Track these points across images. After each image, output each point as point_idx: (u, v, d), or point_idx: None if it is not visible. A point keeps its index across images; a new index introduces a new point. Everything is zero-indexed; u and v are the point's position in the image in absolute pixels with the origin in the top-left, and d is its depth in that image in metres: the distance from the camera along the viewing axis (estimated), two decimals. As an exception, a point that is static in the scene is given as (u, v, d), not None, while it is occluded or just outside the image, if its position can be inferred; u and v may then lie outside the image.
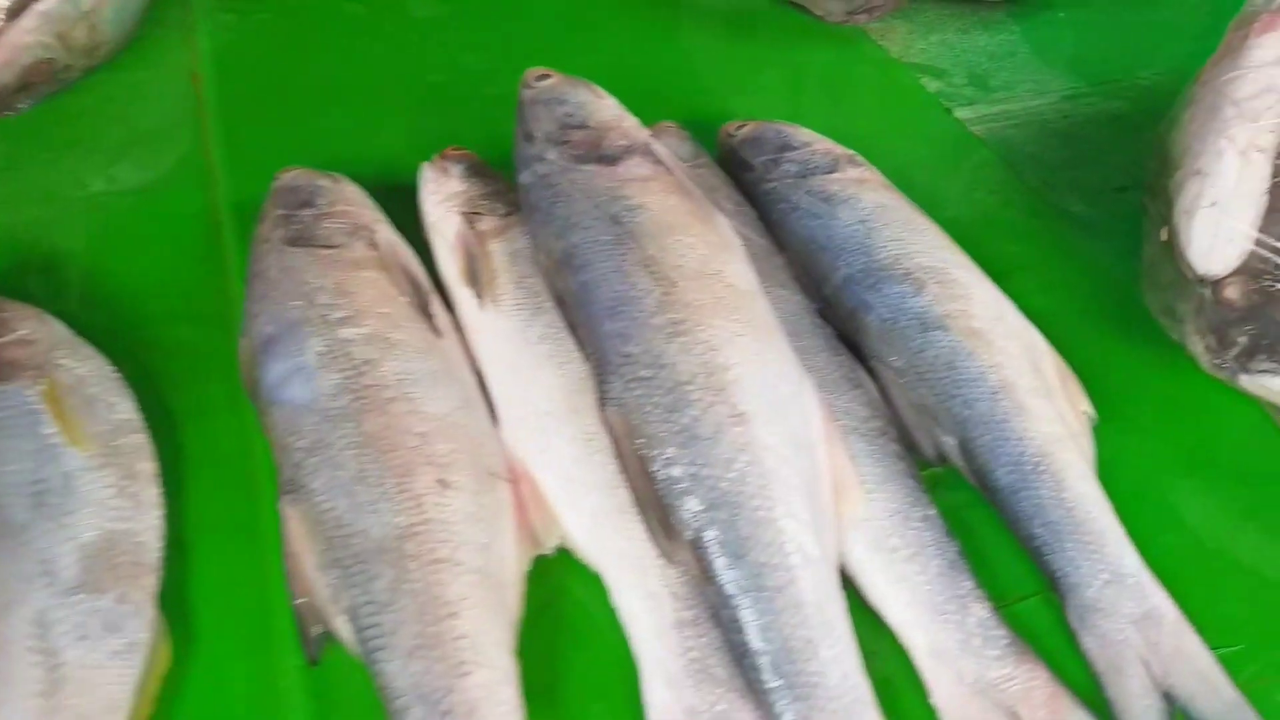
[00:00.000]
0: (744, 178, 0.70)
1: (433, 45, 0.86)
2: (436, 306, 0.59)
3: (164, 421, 0.57)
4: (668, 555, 0.48)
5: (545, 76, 0.64)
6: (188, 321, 0.63)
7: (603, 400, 0.50)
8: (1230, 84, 0.62)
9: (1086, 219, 0.74)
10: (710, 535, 0.47)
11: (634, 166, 0.58)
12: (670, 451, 0.48)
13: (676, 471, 0.48)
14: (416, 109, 0.80)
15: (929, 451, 0.55)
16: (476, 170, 0.65)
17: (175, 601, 0.50)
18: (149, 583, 0.50)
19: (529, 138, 0.61)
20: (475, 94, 0.82)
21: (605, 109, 0.62)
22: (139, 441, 0.55)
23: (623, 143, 0.59)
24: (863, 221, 0.63)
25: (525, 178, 0.60)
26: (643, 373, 0.50)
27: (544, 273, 0.56)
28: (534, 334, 0.56)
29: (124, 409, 0.56)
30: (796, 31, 0.90)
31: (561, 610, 0.51)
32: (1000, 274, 0.67)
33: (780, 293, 0.60)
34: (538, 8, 0.90)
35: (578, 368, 0.54)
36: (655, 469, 0.48)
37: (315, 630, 0.48)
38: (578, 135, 0.60)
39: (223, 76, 0.82)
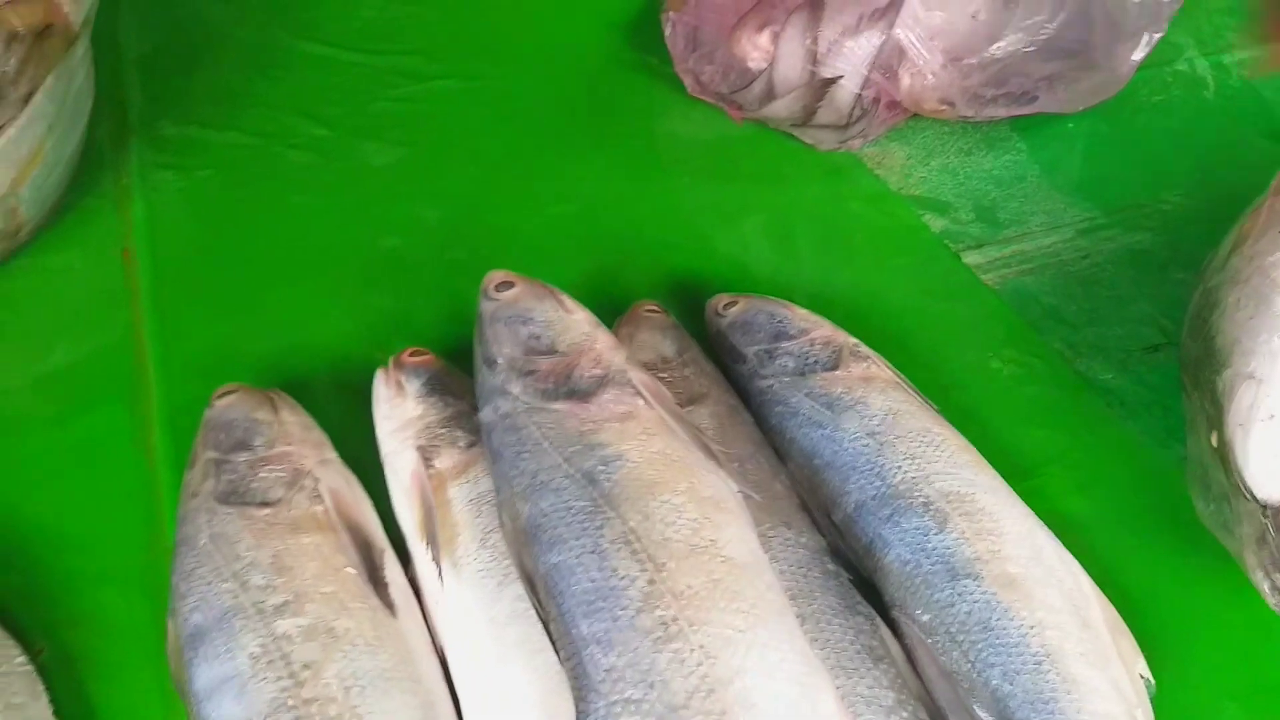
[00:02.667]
0: (736, 369, 0.62)
1: (389, 198, 0.78)
2: (391, 567, 0.52)
3: (82, 725, 0.50)
4: None
5: (508, 285, 0.57)
6: (114, 582, 0.55)
7: (583, 726, 0.42)
8: (1281, 270, 0.55)
9: (1117, 389, 0.66)
10: None
11: (610, 402, 0.51)
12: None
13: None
14: (372, 281, 0.72)
15: (965, 737, 0.48)
16: (436, 384, 0.58)
17: None
18: None
19: (490, 364, 0.54)
20: (435, 258, 0.74)
21: (575, 327, 0.54)
22: (52, 765, 0.47)
23: (596, 372, 0.52)
24: (872, 435, 0.56)
25: (487, 414, 0.52)
26: (629, 692, 0.42)
27: (508, 540, 0.48)
28: (502, 611, 0.49)
29: (38, 715, 0.49)
30: (785, 162, 0.82)
31: None
32: (1024, 471, 0.60)
33: (786, 535, 0.52)
34: (503, 150, 0.83)
35: (553, 658, 0.46)
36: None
37: None
38: (545, 364, 0.52)
39: (157, 251, 0.74)
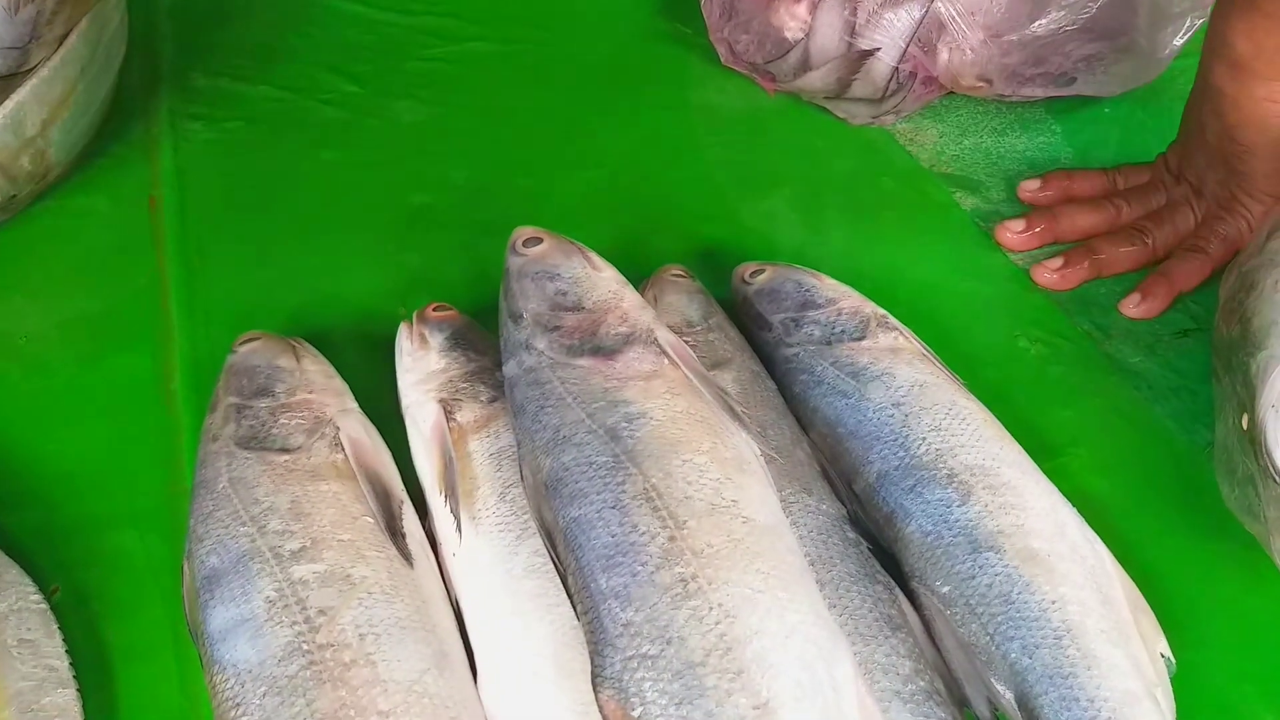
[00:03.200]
0: (761, 337, 0.62)
1: (419, 158, 0.78)
2: (409, 519, 0.52)
3: (96, 664, 0.49)
4: None
5: (536, 241, 0.56)
6: (132, 525, 0.55)
7: (597, 679, 0.42)
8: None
9: (1145, 372, 0.65)
10: None
11: (635, 360, 0.50)
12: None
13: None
14: (399, 238, 0.72)
15: (981, 709, 0.48)
16: (460, 339, 0.58)
17: None
18: None
19: (516, 318, 0.53)
20: (463, 218, 0.74)
21: (602, 284, 0.54)
22: (66, 701, 0.47)
23: (622, 329, 0.52)
24: (897, 405, 0.55)
25: (511, 369, 0.52)
26: (646, 648, 0.42)
27: (529, 494, 0.48)
28: (519, 565, 0.48)
29: (51, 652, 0.49)
30: (816, 136, 0.81)
31: None
32: (1050, 451, 0.59)
33: (806, 501, 0.52)
34: (534, 114, 0.82)
35: (568, 612, 0.46)
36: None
37: None
38: (571, 320, 0.52)
39: (184, 200, 0.74)
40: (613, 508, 0.45)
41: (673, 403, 0.49)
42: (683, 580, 0.43)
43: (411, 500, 0.54)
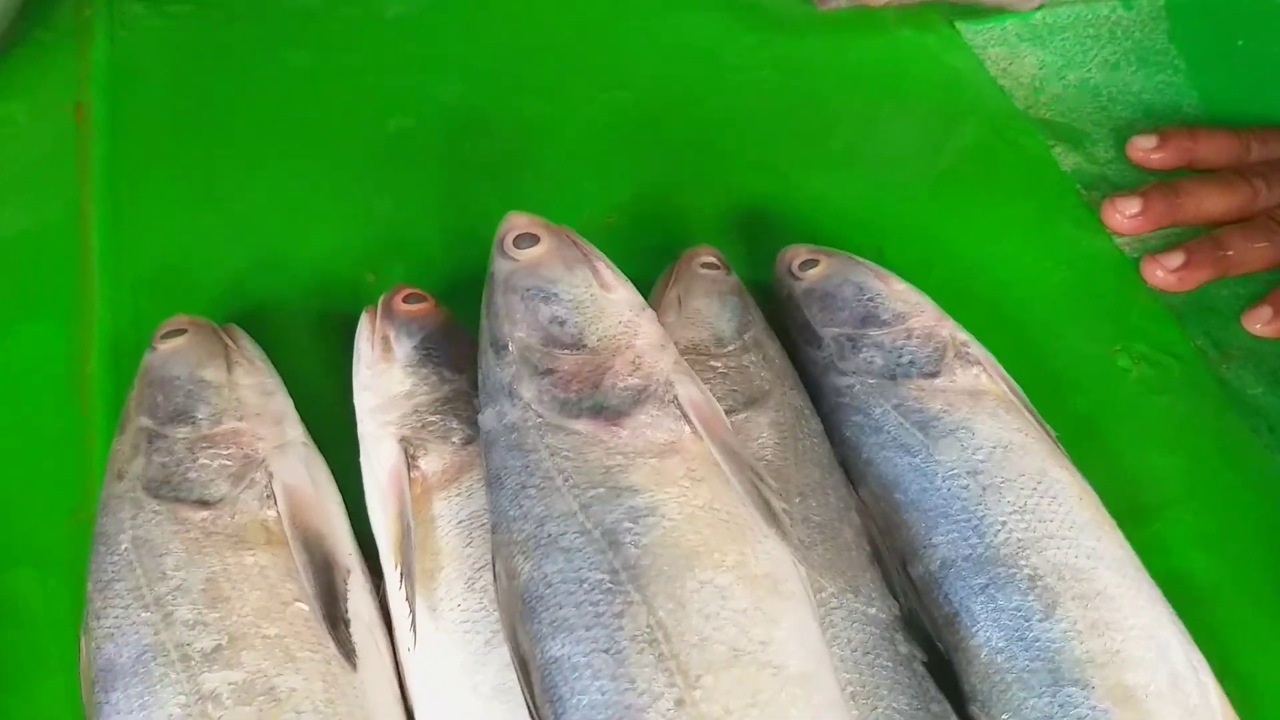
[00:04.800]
0: (808, 354, 0.50)
1: (402, 67, 0.64)
2: (356, 597, 0.41)
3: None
4: None
5: (531, 239, 0.44)
6: (29, 562, 0.45)
7: None
8: None
9: (1268, 410, 0.53)
10: None
11: (648, 427, 0.39)
12: None
13: None
14: (371, 175, 0.59)
15: None
16: (433, 350, 0.46)
17: None
18: None
19: (498, 349, 0.42)
20: (451, 152, 0.61)
21: (612, 312, 0.42)
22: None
23: (633, 381, 0.40)
24: (973, 474, 0.44)
25: (489, 420, 0.41)
26: None
27: (501, 602, 0.38)
28: (486, 682, 0.38)
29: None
30: (886, 63, 0.67)
31: None
32: (1143, 514, 0.49)
33: (851, 604, 0.41)
34: (548, 15, 0.67)
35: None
36: None
37: None
38: (568, 362, 0.40)
39: (116, 109, 0.61)
40: (605, 651, 0.35)
41: (692, 493, 0.38)
42: (691, 762, 0.33)
43: (363, 550, 0.44)
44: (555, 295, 0.42)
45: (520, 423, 0.40)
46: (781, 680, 0.35)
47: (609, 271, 0.43)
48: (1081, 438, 0.49)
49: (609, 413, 0.39)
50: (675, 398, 0.40)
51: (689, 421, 0.39)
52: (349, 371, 0.49)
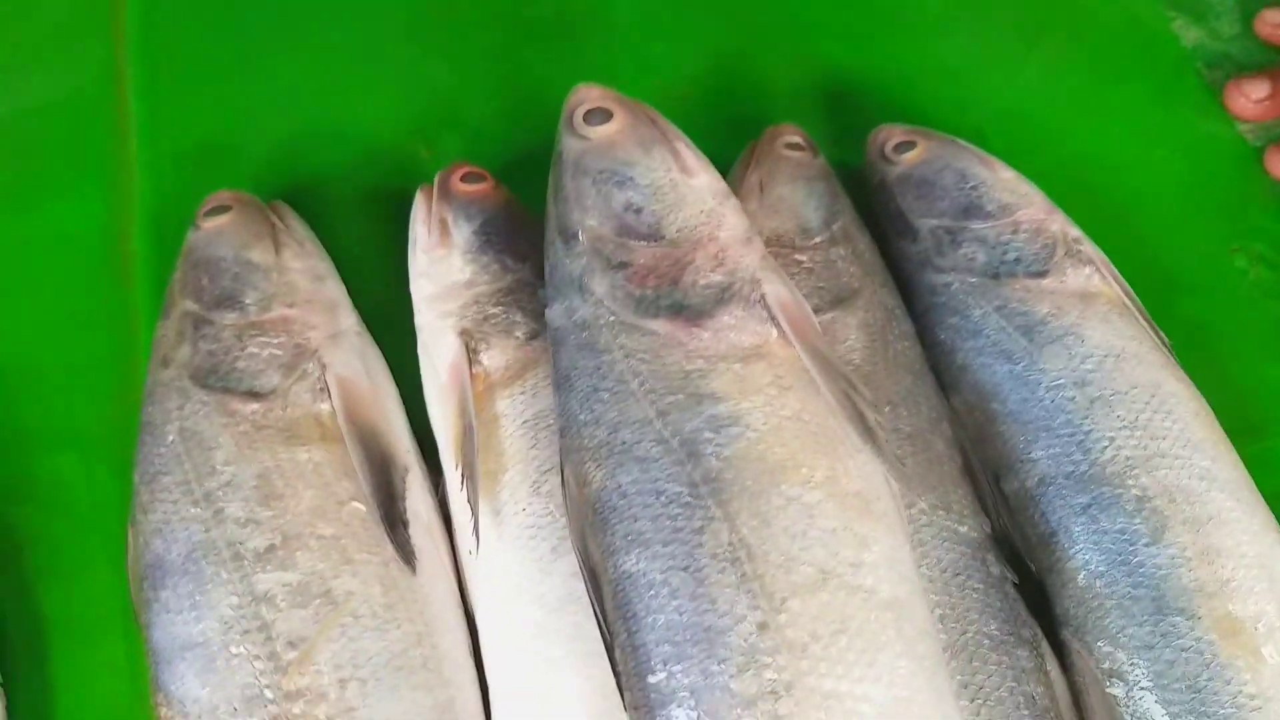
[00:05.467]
0: (901, 247, 0.46)
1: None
2: (415, 494, 0.39)
3: (28, 646, 0.40)
4: None
5: (604, 115, 0.39)
6: (73, 446, 0.44)
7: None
8: None
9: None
10: None
11: (731, 329, 0.36)
12: None
13: None
14: (421, 38, 0.54)
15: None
16: (494, 235, 0.43)
17: None
18: None
19: (567, 237, 0.38)
20: (509, 13, 0.55)
21: (693, 200, 0.38)
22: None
23: (716, 278, 0.36)
24: (1081, 385, 0.41)
25: (557, 314, 0.37)
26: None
27: (570, 510, 0.35)
28: (552, 590, 0.37)
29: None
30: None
31: None
32: (1254, 429, 0.46)
33: (942, 521, 0.38)
34: None
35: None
36: None
37: None
38: (644, 254, 0.37)
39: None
40: (684, 569, 0.32)
41: (779, 402, 0.35)
42: (773, 692, 0.31)
43: (423, 450, 0.42)
44: (631, 180, 0.38)
45: (592, 320, 0.36)
46: (872, 606, 0.32)
47: (690, 154, 0.39)
48: (1190, 344, 0.46)
49: (689, 312, 0.36)
50: (762, 297, 0.36)
51: (777, 324, 0.36)
52: (403, 254, 0.46)
